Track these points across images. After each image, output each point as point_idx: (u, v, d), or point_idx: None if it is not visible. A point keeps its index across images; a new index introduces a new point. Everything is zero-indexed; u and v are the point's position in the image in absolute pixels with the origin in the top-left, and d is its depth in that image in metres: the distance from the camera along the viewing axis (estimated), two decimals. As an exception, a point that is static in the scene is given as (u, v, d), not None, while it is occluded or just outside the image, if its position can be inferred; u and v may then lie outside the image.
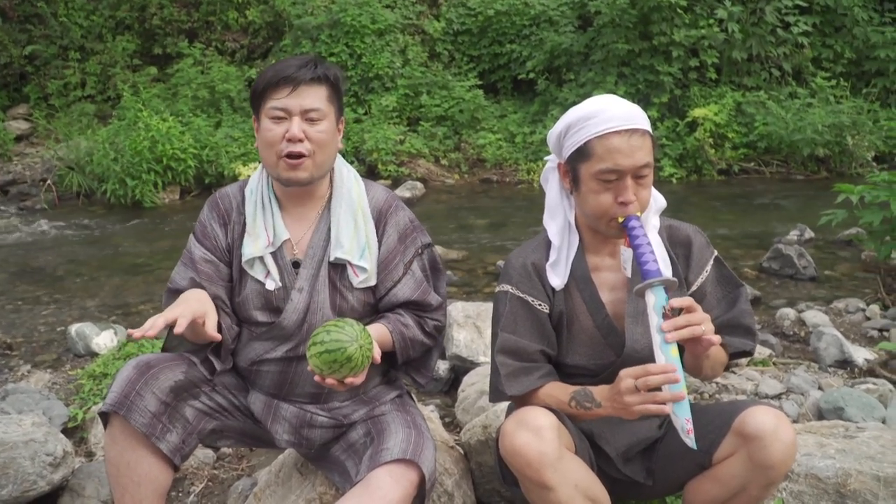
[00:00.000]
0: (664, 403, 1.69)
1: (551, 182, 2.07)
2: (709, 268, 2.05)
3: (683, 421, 1.69)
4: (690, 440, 1.69)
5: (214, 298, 2.03)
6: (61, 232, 7.70)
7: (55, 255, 6.83)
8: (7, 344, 4.42)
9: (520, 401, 2.02)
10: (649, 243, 1.81)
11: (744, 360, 3.67)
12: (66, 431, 3.09)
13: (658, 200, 2.01)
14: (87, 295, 5.50)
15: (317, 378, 1.86)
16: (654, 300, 1.74)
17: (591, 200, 1.89)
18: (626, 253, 1.91)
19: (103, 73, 11.33)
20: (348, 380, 1.86)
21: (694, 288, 2.03)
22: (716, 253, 2.08)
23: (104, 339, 4.21)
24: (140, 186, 8.50)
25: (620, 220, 1.86)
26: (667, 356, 1.70)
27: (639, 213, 1.87)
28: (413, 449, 1.92)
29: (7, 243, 7.35)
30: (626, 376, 1.74)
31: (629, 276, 1.95)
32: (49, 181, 8.99)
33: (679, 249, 2.05)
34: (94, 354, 4.11)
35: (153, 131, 8.65)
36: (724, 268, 2.08)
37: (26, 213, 8.56)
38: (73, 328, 4.29)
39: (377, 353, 1.90)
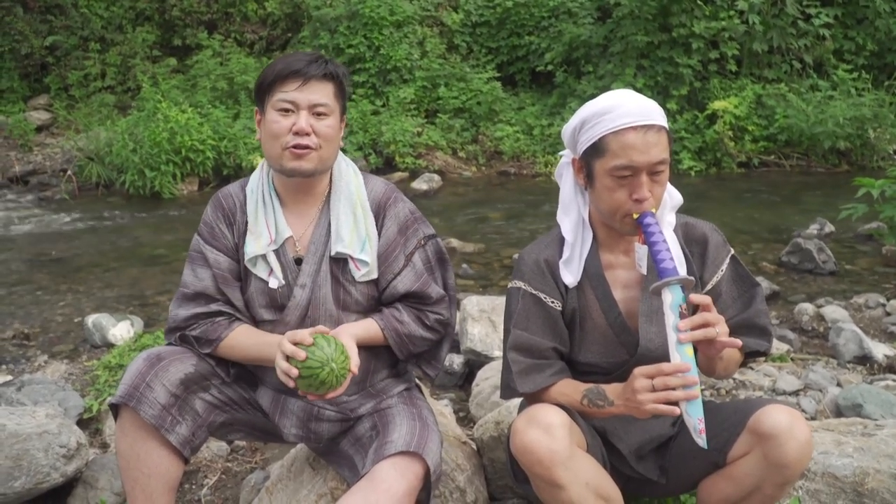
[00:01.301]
0: (677, 403, 1.68)
1: (565, 177, 2.04)
2: (724, 266, 2.02)
3: (696, 421, 1.67)
4: (702, 440, 1.68)
5: (232, 305, 2.09)
6: (80, 222, 7.76)
7: (74, 245, 6.89)
8: (25, 334, 4.46)
9: (532, 398, 2.01)
10: (665, 241, 1.78)
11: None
12: (82, 423, 3.11)
13: (674, 197, 1.98)
14: (105, 286, 5.54)
15: (300, 392, 1.90)
16: (671, 299, 1.72)
17: (606, 197, 1.87)
18: (641, 250, 1.88)
19: (123, 63, 11.38)
20: (328, 395, 1.89)
21: (709, 287, 2.00)
22: (732, 251, 2.05)
23: (120, 330, 4.23)
24: (159, 178, 8.54)
25: (635, 216, 1.83)
26: (682, 355, 1.69)
27: (654, 210, 1.84)
28: (417, 441, 1.92)
29: (27, 233, 7.41)
30: (641, 375, 1.73)
31: (644, 273, 1.93)
32: (69, 172, 9.05)
33: (695, 247, 2.02)
34: (110, 345, 4.14)
35: (172, 122, 8.69)
36: (741, 267, 2.05)
37: (46, 203, 8.63)
38: (90, 319, 4.32)
39: (354, 366, 1.90)
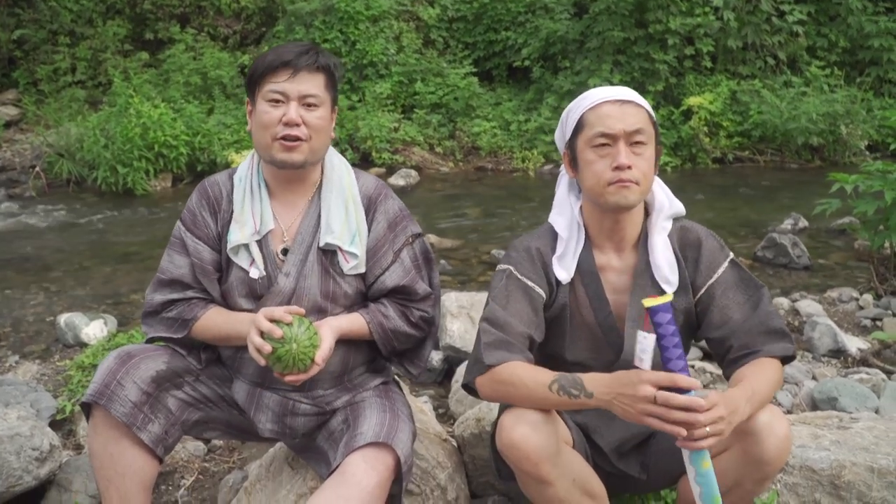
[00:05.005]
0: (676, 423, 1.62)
1: (562, 182, 2.09)
2: (721, 271, 1.97)
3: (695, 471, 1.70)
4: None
5: (208, 294, 2.08)
6: (51, 220, 7.63)
7: (45, 243, 6.78)
8: (-6, 334, 4.38)
9: (495, 377, 1.92)
10: (677, 344, 1.69)
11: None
12: (55, 424, 3.06)
13: (675, 205, 2.01)
14: (77, 284, 5.45)
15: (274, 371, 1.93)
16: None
17: (588, 172, 1.90)
18: (644, 341, 1.74)
19: (94, 58, 11.20)
20: (287, 378, 1.91)
21: (702, 292, 1.97)
22: (731, 256, 2.01)
23: (94, 329, 4.16)
24: (131, 174, 8.42)
25: (647, 305, 1.70)
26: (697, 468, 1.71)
27: (639, 183, 1.86)
28: (387, 431, 1.91)
29: (-4, 231, 7.28)
30: (647, 382, 1.64)
31: (640, 366, 1.76)
32: (38, 168, 8.89)
33: (689, 252, 2.00)
34: (83, 345, 4.07)
35: (144, 118, 8.57)
36: (743, 270, 2.00)
37: (15, 200, 8.46)
38: (63, 318, 4.25)
39: (320, 358, 1.91)
